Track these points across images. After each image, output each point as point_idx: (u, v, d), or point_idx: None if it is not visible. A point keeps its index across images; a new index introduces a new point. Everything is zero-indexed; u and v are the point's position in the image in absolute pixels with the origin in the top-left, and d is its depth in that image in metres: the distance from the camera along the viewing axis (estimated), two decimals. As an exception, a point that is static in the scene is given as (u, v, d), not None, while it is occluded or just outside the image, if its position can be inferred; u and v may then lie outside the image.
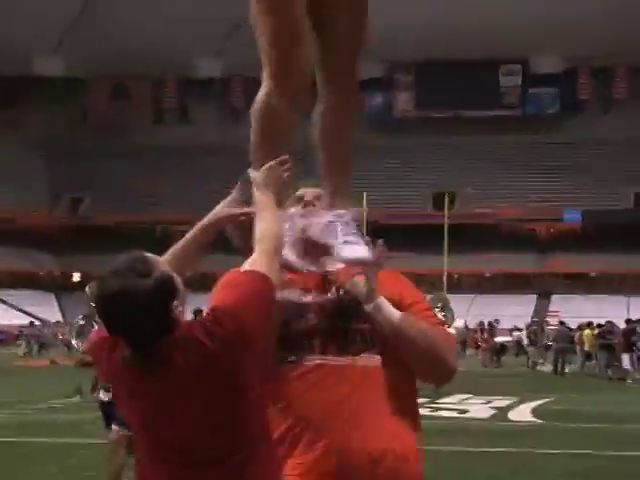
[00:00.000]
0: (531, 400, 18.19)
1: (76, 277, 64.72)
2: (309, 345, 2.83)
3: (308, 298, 2.90)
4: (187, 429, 2.52)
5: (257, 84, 3.02)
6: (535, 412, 16.35)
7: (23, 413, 15.77)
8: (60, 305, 60.10)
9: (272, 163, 2.85)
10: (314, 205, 3.01)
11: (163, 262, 2.60)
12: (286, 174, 2.84)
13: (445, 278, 45.33)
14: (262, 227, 2.73)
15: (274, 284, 2.61)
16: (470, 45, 62.91)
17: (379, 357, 2.87)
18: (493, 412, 16.22)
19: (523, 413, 16.16)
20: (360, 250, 2.93)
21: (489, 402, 17.63)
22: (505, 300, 56.09)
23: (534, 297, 59.39)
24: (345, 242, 2.94)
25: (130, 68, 68.32)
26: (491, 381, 24.30)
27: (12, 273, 61.94)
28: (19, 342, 43.68)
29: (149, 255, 2.54)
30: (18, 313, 57.63)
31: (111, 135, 70.16)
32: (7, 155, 65.92)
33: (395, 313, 2.87)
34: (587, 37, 61.62)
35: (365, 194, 49.70)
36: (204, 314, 2.58)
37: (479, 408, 16.48)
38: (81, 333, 18.85)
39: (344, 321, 2.88)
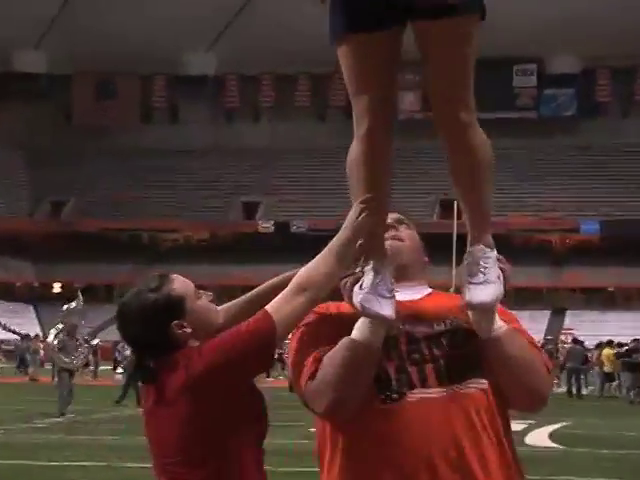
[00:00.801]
0: (548, 424, 18.06)
1: (56, 287, 64.51)
2: (407, 379, 2.74)
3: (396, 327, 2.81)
4: (160, 447, 2.70)
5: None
6: (553, 437, 16.30)
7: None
8: (39, 318, 59.86)
9: (356, 206, 2.82)
10: (397, 229, 3.08)
11: (183, 282, 2.74)
12: (363, 215, 2.79)
13: (453, 291, 45.25)
14: (306, 266, 2.77)
15: (272, 320, 2.63)
16: (482, 43, 62.47)
17: (483, 382, 2.79)
18: (508, 436, 16.06)
19: (540, 437, 16.09)
20: (486, 293, 2.86)
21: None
22: (516, 316, 55.95)
23: (547, 313, 59.22)
24: (474, 282, 2.90)
25: (117, 64, 68.29)
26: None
27: (-13, 283, 61.71)
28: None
29: (172, 275, 2.76)
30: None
31: (96, 135, 70.11)
32: (-16, 156, 65.92)
33: (502, 326, 2.85)
34: (606, 36, 61.61)
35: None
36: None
37: (493, 432, 16.31)
38: (64, 348, 18.74)
39: (439, 349, 2.82)
